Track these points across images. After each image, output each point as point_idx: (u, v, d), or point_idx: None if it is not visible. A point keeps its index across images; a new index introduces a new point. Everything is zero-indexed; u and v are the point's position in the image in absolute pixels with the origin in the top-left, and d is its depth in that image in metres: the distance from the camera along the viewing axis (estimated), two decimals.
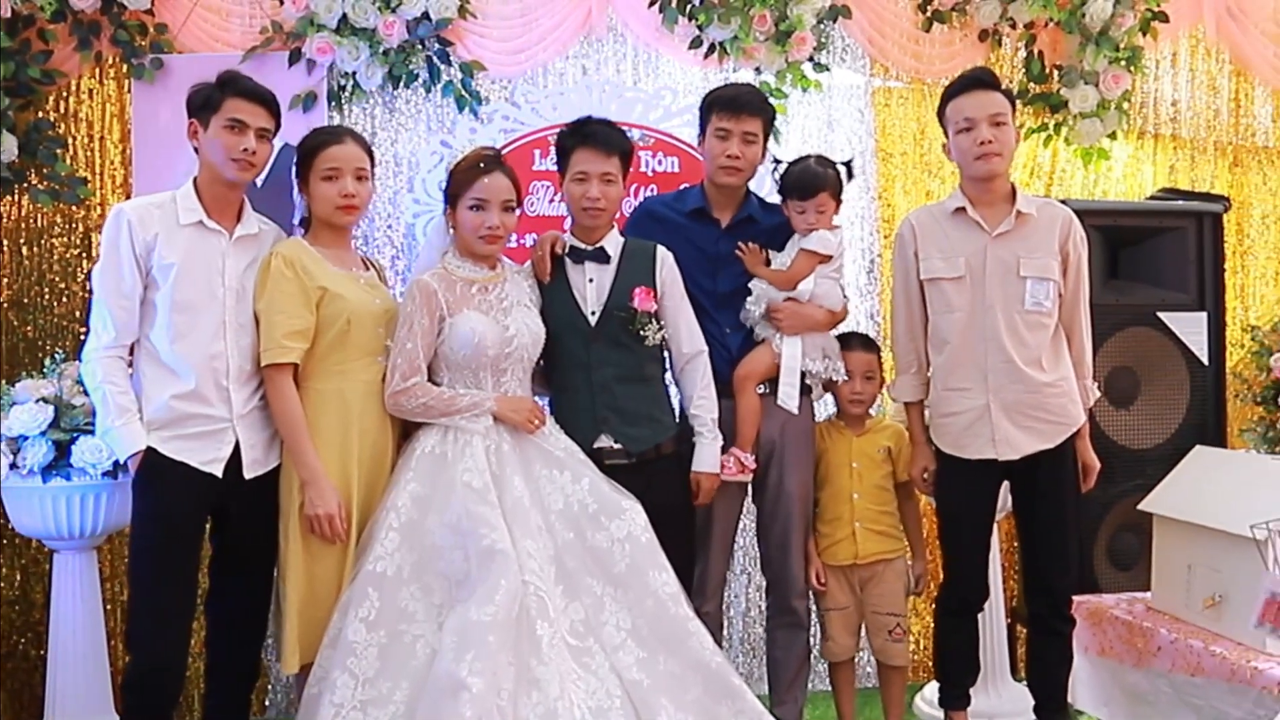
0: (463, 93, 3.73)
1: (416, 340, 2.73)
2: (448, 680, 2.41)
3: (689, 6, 3.71)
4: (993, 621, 3.50)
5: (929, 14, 3.98)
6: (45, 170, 3.68)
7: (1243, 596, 2.83)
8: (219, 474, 2.68)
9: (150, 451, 2.64)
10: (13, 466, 3.09)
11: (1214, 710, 2.78)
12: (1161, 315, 3.80)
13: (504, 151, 3.15)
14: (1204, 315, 3.84)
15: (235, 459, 2.70)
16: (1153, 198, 4.13)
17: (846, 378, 3.16)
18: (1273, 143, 4.42)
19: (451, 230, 2.86)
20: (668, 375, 3.04)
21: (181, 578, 2.70)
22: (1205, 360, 3.83)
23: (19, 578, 3.74)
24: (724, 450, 3.00)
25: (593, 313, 2.89)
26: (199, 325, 2.67)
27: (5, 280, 3.76)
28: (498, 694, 2.41)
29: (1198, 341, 3.83)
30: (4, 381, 3.28)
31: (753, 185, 3.23)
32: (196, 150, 2.75)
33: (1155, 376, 3.80)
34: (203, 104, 2.71)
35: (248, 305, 2.73)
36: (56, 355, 3.32)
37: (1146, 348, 3.79)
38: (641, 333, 2.85)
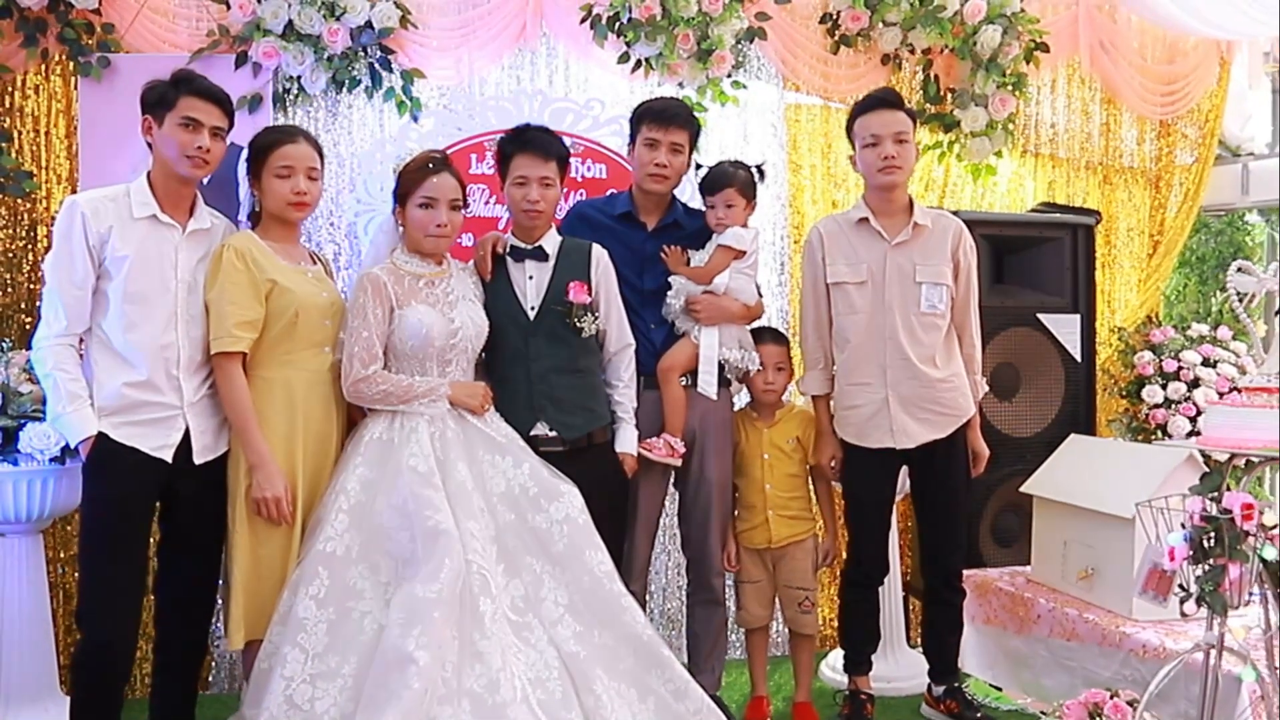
0: (403, 99, 3.67)
1: (371, 330, 2.70)
2: (395, 654, 2.39)
3: (618, 24, 3.70)
4: (891, 594, 3.59)
5: (837, 38, 4.04)
6: None
7: (1113, 569, 2.97)
8: (169, 459, 2.62)
9: (101, 437, 2.57)
10: None
11: (1086, 671, 2.90)
12: (1040, 316, 3.93)
13: None
14: (1077, 317, 3.97)
15: (185, 445, 2.64)
16: (1034, 210, 4.26)
17: (761, 368, 3.22)
18: (1137, 164, 4.60)
19: (401, 228, 2.83)
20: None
21: (131, 558, 2.64)
22: (1078, 358, 3.97)
23: None
24: (648, 437, 3.04)
25: (532, 308, 2.89)
26: (151, 316, 2.61)
27: None
28: (443, 666, 2.41)
29: (1072, 341, 3.96)
30: None
31: (676, 192, 3.26)
32: (150, 145, 2.68)
33: (1034, 372, 3.93)
34: (157, 101, 2.64)
35: (199, 297, 2.67)
36: (4, 344, 3.19)
37: (1027, 346, 3.91)
38: (578, 324, 2.85)
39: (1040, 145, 4.43)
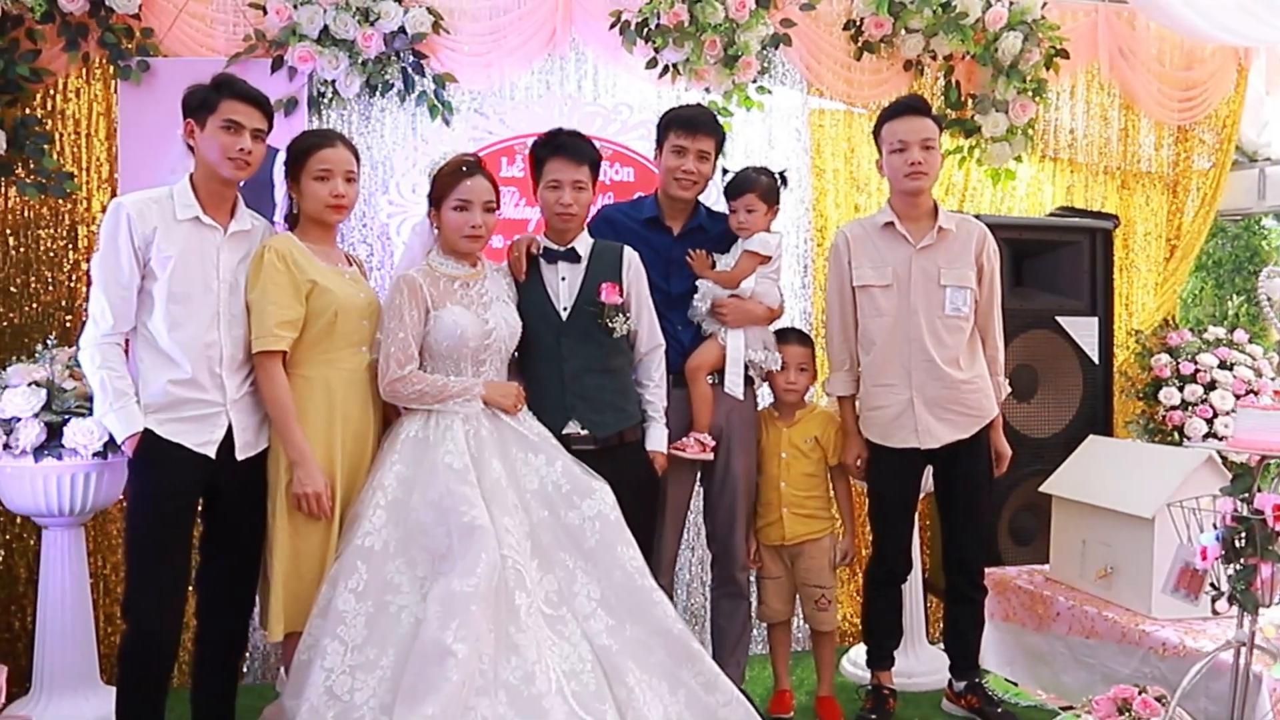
0: (435, 102, 3.72)
1: (407, 331, 2.73)
2: (434, 647, 2.41)
3: (646, 30, 3.74)
4: (912, 591, 3.60)
5: (860, 44, 4.06)
6: (32, 164, 3.58)
7: (1132, 568, 2.97)
8: (212, 455, 2.65)
9: (147, 433, 2.61)
10: (5, 447, 3.02)
11: (1105, 668, 2.91)
12: (1059, 319, 3.93)
13: None
14: (1095, 320, 3.97)
15: (227, 441, 2.67)
16: (1052, 214, 4.26)
17: (783, 367, 3.24)
18: (1155, 169, 4.59)
19: (435, 230, 2.86)
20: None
21: (175, 552, 2.67)
22: (1096, 360, 3.97)
23: (1, 554, 3.64)
24: (678, 436, 3.07)
25: (564, 308, 2.91)
26: (194, 315, 2.64)
27: None
28: (480, 658, 2.43)
29: (1090, 343, 3.96)
30: None
31: (701, 196, 3.28)
32: (191, 149, 2.70)
33: (1052, 374, 3.93)
34: (199, 105, 2.66)
35: (240, 297, 2.70)
36: (49, 341, 3.24)
37: (1045, 348, 3.91)
38: (610, 324, 2.87)
39: (1059, 150, 4.44)
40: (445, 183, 2.81)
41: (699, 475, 3.25)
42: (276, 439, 2.72)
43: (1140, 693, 2.06)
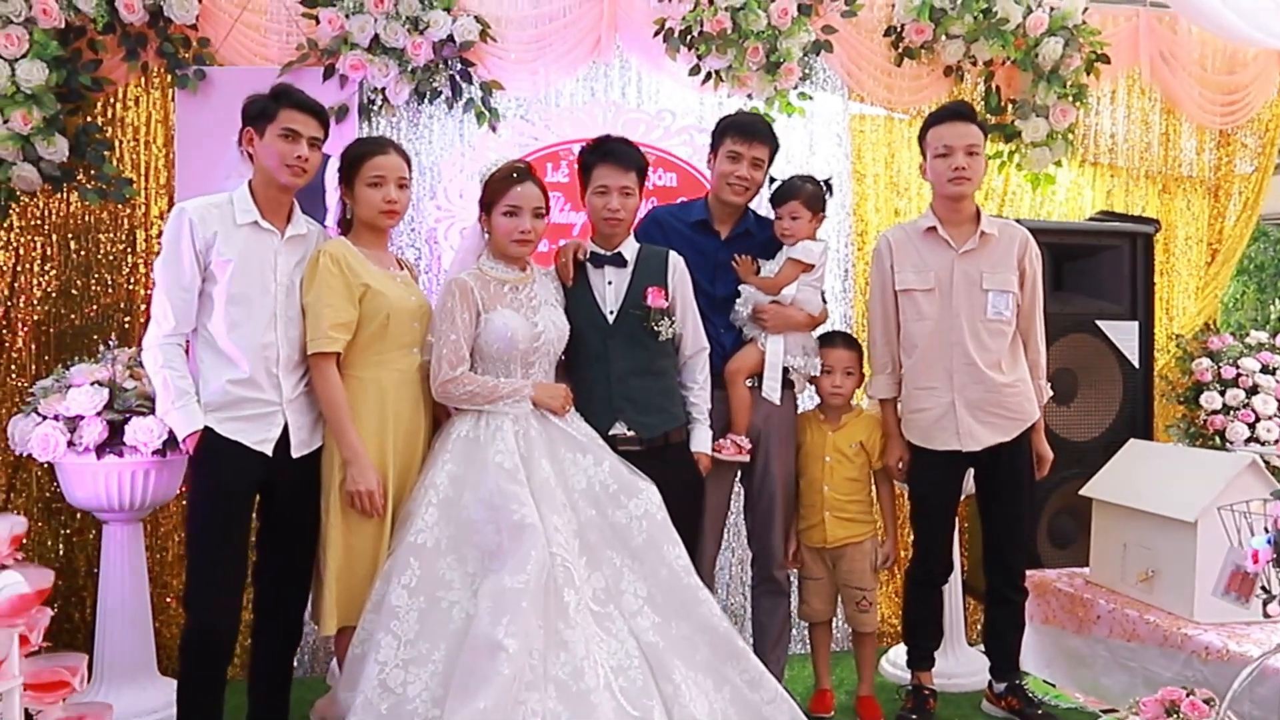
0: (482, 109, 3.77)
1: (459, 333, 2.78)
2: (485, 642, 2.45)
3: (690, 37, 3.77)
4: (952, 593, 3.61)
5: (900, 50, 4.08)
6: (93, 171, 3.67)
7: (1174, 572, 2.97)
8: (269, 453, 2.70)
9: (207, 431, 2.66)
10: (69, 444, 3.09)
11: (1147, 672, 2.90)
12: (1099, 323, 3.93)
13: None
14: (1135, 324, 3.97)
15: (283, 440, 2.73)
16: (1092, 219, 4.25)
17: (824, 372, 3.26)
18: (1196, 173, 4.57)
19: (486, 234, 2.91)
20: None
21: (234, 547, 2.72)
22: (1136, 364, 3.96)
23: (63, 548, 3.73)
24: (717, 437, 3.10)
25: (611, 312, 2.95)
26: (252, 317, 2.70)
27: (54, 272, 3.75)
28: (530, 654, 2.47)
29: (1130, 347, 3.95)
30: (60, 365, 3.29)
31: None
32: (250, 156, 2.76)
33: (1092, 377, 3.93)
34: (259, 113, 2.72)
35: (296, 299, 2.75)
36: (110, 342, 3.32)
37: (1085, 352, 3.91)
38: (655, 328, 2.91)
39: (1099, 155, 4.42)
40: (496, 188, 2.85)
41: (738, 476, 3.28)
42: (331, 438, 2.77)
43: (1188, 695, 2.06)
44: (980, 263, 3.14)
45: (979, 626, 3.84)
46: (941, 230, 3.16)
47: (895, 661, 3.68)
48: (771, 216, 3.27)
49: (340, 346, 2.74)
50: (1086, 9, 4.12)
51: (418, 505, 2.72)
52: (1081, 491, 3.39)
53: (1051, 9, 4.04)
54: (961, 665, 3.63)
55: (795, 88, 3.91)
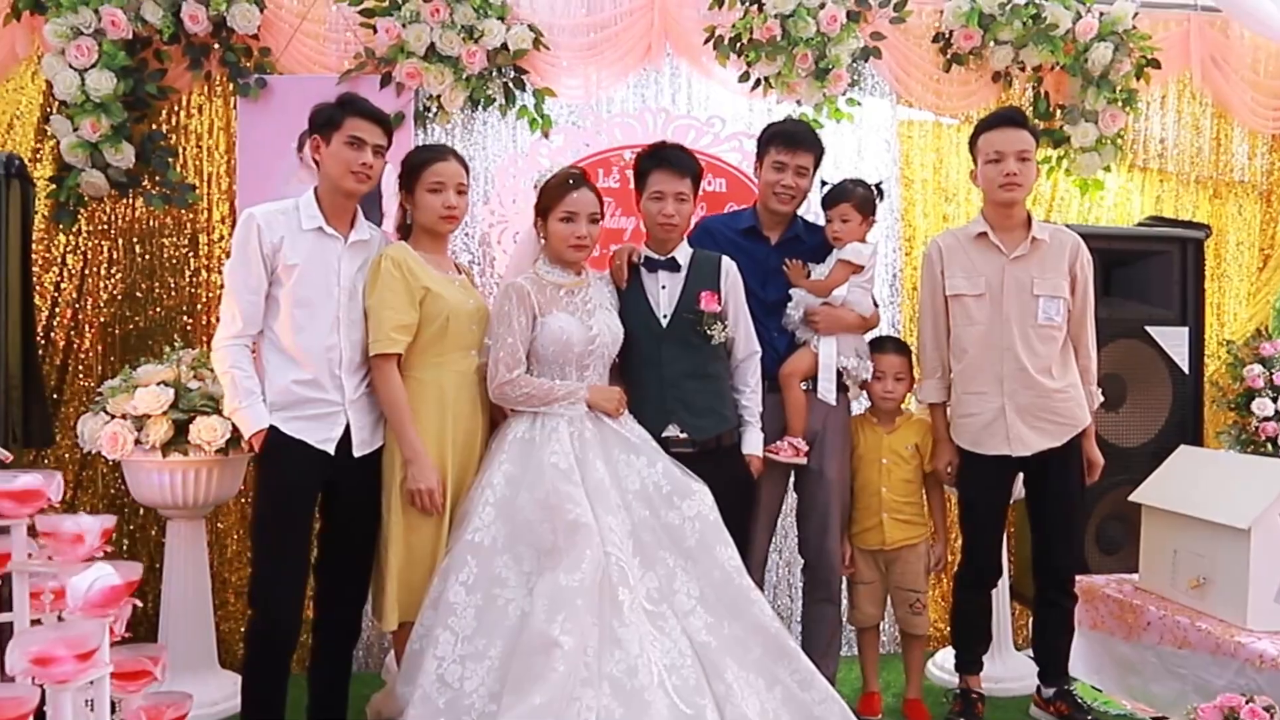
0: (534, 116, 3.83)
1: (516, 337, 2.83)
2: (540, 639, 2.49)
3: (739, 45, 3.81)
4: (1000, 598, 3.61)
5: (949, 56, 4.09)
6: (158, 177, 3.78)
7: (1227, 579, 2.93)
8: (331, 452, 2.76)
9: (272, 430, 2.72)
10: (136, 442, 3.17)
11: (1198, 679, 2.87)
12: (1148, 329, 3.90)
13: None
14: (1185, 330, 3.93)
15: (345, 439, 2.78)
16: (1142, 224, 4.23)
17: (875, 377, 3.28)
18: (1248, 178, 4.53)
19: (542, 239, 2.95)
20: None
21: (297, 544, 2.78)
22: (1186, 370, 3.92)
23: (127, 543, 3.83)
24: (773, 440, 3.12)
25: (664, 316, 2.99)
26: (317, 320, 2.76)
27: (120, 275, 3.85)
28: (584, 651, 2.50)
29: (1180, 353, 3.92)
30: (126, 366, 3.38)
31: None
32: (317, 163, 2.82)
33: (1142, 383, 3.90)
34: (326, 122, 2.78)
35: (358, 303, 2.81)
36: (175, 343, 3.41)
37: (1135, 357, 3.88)
38: (708, 332, 2.94)
39: (1148, 160, 4.40)
40: (552, 195, 2.89)
41: (791, 480, 3.30)
42: (391, 437, 2.83)
43: (1247, 702, 2.06)
44: (1031, 268, 3.15)
45: (1026, 631, 3.84)
46: (992, 236, 3.17)
47: (942, 665, 3.69)
48: (817, 222, 3.29)
49: (402, 348, 2.79)
50: (1137, 13, 4.11)
51: (475, 504, 2.77)
52: (1131, 497, 3.36)
53: (1101, 14, 4.04)
54: (1009, 670, 3.62)
55: (844, 94, 3.94)
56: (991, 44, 4.04)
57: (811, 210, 3.39)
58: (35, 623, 1.77)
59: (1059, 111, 4.19)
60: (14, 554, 1.76)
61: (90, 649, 1.53)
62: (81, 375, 3.83)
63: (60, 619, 1.78)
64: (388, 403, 2.80)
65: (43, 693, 1.54)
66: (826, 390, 3.19)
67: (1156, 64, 4.14)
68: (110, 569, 1.65)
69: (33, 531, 1.80)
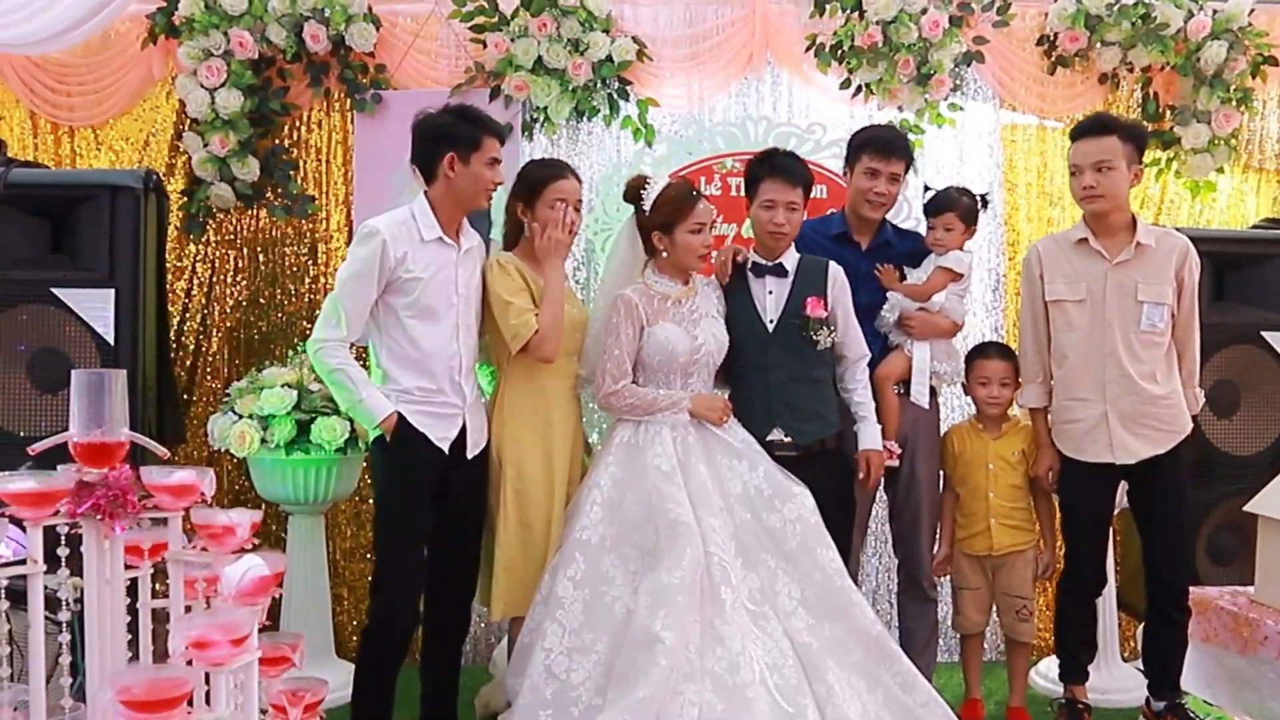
0: (638, 126, 3.92)
1: (623, 348, 2.91)
2: (644, 635, 2.56)
3: (840, 52, 3.84)
4: (1107, 607, 3.57)
5: (1054, 59, 4.04)
6: (280, 189, 3.98)
7: None
8: (447, 450, 2.86)
9: (400, 419, 2.80)
10: (262, 441, 3.34)
11: None
12: (1264, 334, 3.78)
13: None
14: None
15: (459, 440, 2.88)
16: (1256, 226, 4.11)
17: (980, 383, 3.29)
18: None
19: (664, 253, 2.97)
20: None
21: (418, 539, 2.90)
22: None
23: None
24: None
25: (771, 320, 3.03)
26: (440, 329, 2.85)
27: (245, 283, 4.06)
28: (686, 647, 2.57)
29: None
30: (251, 368, 3.57)
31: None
32: (447, 177, 2.85)
33: (1256, 390, 3.78)
34: (465, 139, 2.83)
35: (472, 308, 2.92)
36: (297, 347, 3.59)
37: (1249, 363, 3.77)
38: (814, 337, 2.98)
39: (1264, 161, 4.26)
40: (678, 208, 2.94)
41: (883, 481, 3.31)
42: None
43: None
44: (1135, 274, 3.11)
45: (1133, 643, 3.78)
46: (1093, 241, 3.14)
47: (1045, 674, 3.66)
48: (904, 227, 3.31)
49: (536, 324, 2.86)
50: (1253, 10, 4.00)
51: (583, 504, 2.86)
52: (1246, 507, 3.28)
53: (1214, 11, 3.95)
54: (1116, 681, 3.57)
55: (946, 99, 3.93)
56: (1098, 45, 3.98)
57: (910, 216, 3.39)
58: (186, 609, 1.91)
59: (1169, 112, 4.11)
60: (170, 544, 1.90)
61: (243, 634, 1.64)
62: (209, 377, 4.05)
63: (208, 606, 1.91)
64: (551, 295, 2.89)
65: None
66: (920, 393, 3.22)
67: (1274, 61, 4.03)
68: (260, 560, 1.77)
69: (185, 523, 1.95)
